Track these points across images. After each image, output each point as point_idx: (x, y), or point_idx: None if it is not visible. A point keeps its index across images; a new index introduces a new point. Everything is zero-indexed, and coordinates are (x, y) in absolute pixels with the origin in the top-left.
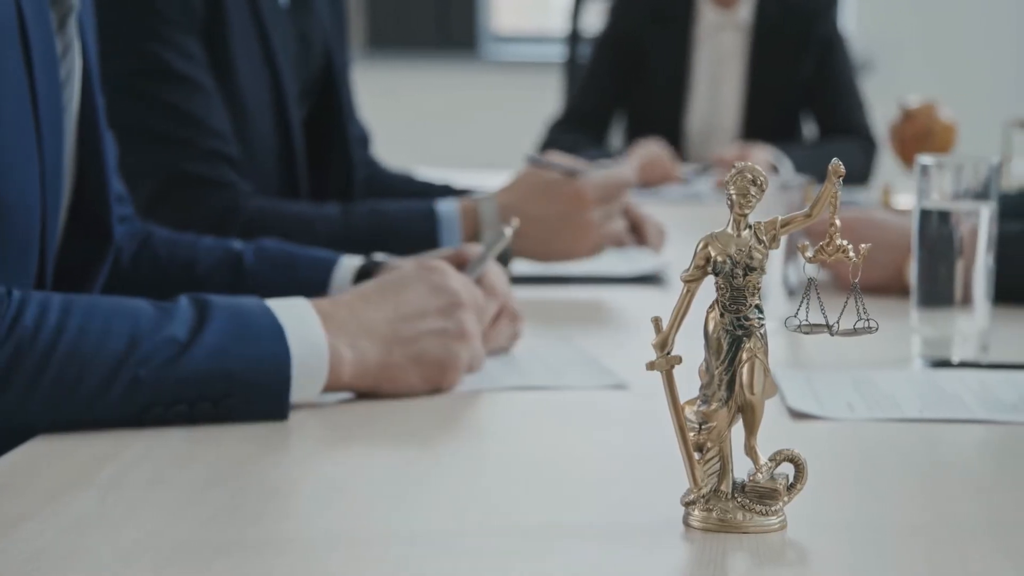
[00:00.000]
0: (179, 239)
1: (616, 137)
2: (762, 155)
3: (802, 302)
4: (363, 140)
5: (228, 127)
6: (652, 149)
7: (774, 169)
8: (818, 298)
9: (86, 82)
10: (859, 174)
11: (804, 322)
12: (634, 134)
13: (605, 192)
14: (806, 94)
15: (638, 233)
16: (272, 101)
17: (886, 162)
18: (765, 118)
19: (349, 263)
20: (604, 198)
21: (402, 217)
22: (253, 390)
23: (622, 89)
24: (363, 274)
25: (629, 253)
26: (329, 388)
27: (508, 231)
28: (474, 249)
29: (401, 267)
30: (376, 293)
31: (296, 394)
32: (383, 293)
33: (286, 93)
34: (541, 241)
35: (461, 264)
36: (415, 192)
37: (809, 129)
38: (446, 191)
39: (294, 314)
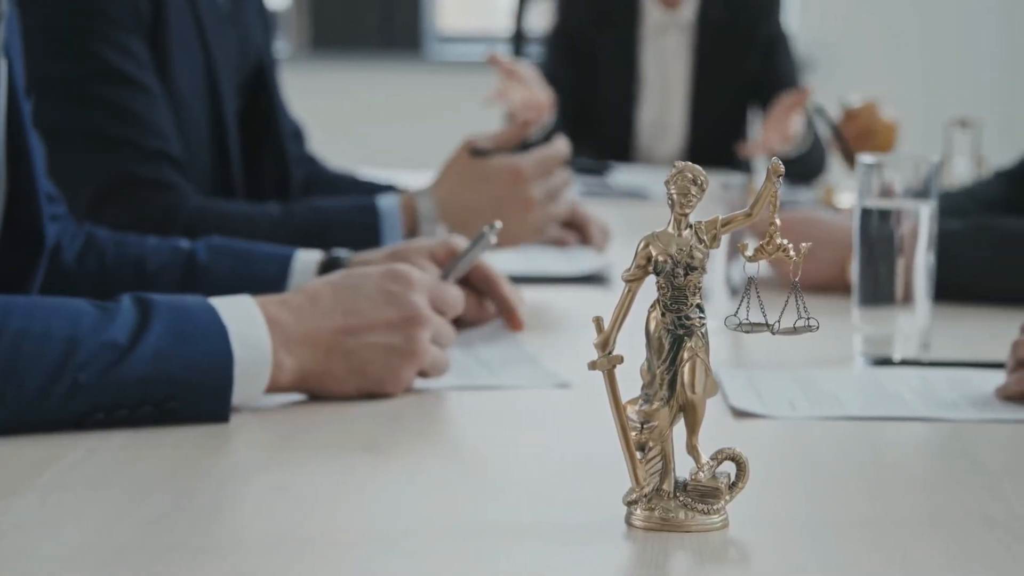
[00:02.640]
0: (125, 238)
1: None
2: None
3: (742, 301)
4: (297, 135)
5: (172, 127)
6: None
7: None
8: (758, 297)
9: (11, 86)
10: (815, 166)
11: (744, 321)
12: (588, 131)
13: (542, 168)
14: (753, 92)
15: (582, 232)
16: (208, 100)
17: (828, 161)
18: (713, 116)
19: (307, 257)
20: (542, 174)
21: (343, 213)
22: (195, 393)
23: (575, 86)
24: (326, 268)
25: (573, 253)
26: (268, 391)
27: (492, 236)
28: (459, 243)
29: (367, 266)
30: (330, 296)
31: (237, 397)
32: (337, 297)
33: (222, 92)
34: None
35: (448, 256)
36: (359, 191)
37: (758, 127)
38: (390, 191)
39: (239, 314)
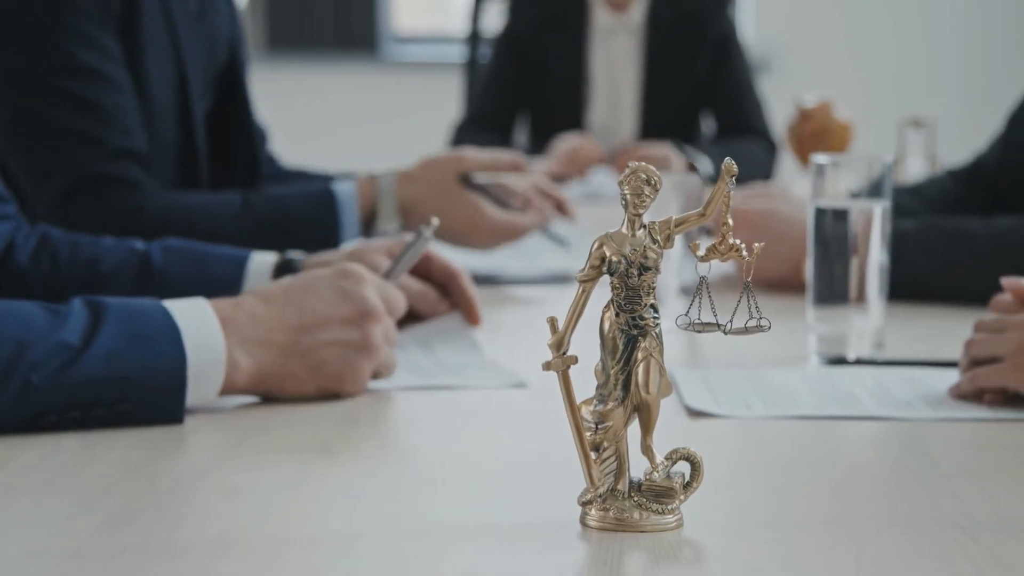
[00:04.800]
0: (79, 238)
1: (521, 136)
2: (662, 152)
3: (694, 300)
4: (262, 136)
5: (139, 122)
6: (574, 140)
7: (693, 168)
8: (710, 296)
9: None
10: (761, 173)
11: (696, 320)
12: (538, 133)
13: (504, 232)
14: (704, 94)
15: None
16: (177, 97)
17: (783, 161)
18: (664, 118)
19: (263, 259)
20: (500, 236)
21: (302, 201)
22: (148, 394)
23: (523, 89)
24: (281, 270)
25: (535, 253)
26: (223, 393)
27: (429, 233)
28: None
29: (317, 268)
30: (281, 296)
31: (191, 398)
32: (289, 297)
33: (191, 90)
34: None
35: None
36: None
37: (709, 129)
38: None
39: (192, 315)
